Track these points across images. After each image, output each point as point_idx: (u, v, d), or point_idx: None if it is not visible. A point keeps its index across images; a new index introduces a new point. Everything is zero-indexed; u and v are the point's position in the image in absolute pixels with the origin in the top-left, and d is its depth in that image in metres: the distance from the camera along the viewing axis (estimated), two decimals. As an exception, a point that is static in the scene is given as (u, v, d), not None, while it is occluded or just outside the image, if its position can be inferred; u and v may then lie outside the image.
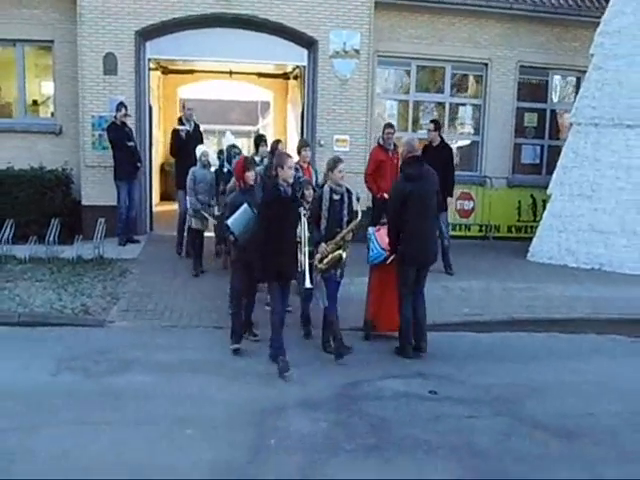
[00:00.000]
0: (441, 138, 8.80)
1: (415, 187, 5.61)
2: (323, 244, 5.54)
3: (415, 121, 11.76)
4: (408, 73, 11.46)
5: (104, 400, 4.47)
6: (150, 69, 10.56)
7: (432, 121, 9.19)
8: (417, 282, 5.81)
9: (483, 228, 11.23)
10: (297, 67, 11.26)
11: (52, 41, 10.10)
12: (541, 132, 11.89)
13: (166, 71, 13.58)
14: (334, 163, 5.70)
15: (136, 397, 4.55)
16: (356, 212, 5.63)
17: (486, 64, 11.35)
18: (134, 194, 9.54)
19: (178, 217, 9.01)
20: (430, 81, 11.82)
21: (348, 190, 5.75)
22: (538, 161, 11.87)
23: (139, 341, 5.80)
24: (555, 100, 12.19)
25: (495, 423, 4.38)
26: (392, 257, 5.86)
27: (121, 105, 9.30)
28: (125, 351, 5.51)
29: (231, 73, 13.31)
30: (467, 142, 12.08)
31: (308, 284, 5.27)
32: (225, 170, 8.34)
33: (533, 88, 11.88)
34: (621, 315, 7.25)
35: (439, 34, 11.03)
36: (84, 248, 8.44)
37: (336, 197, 5.63)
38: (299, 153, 7.44)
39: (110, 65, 9.80)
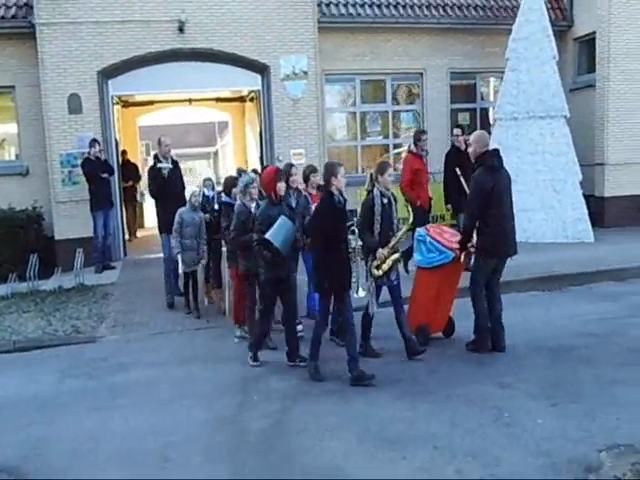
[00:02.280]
0: (465, 143, 8.64)
1: (496, 179, 5.60)
2: (381, 249, 5.45)
3: (363, 130, 12.80)
4: (353, 88, 12.50)
5: (109, 393, 5.22)
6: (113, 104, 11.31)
7: (458, 126, 9.39)
8: (494, 275, 5.77)
9: (431, 218, 12.21)
10: (252, 91, 12.20)
11: (13, 86, 10.67)
12: (474, 128, 12.96)
13: (126, 104, 14.28)
14: (383, 167, 5.62)
15: (137, 387, 5.32)
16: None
17: (421, 73, 12.50)
18: (109, 224, 10.10)
19: (164, 264, 8.15)
20: (373, 93, 12.89)
21: (393, 194, 5.71)
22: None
23: (130, 348, 6.47)
24: (483, 99, 13.41)
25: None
26: (463, 255, 5.77)
27: (94, 142, 9.96)
28: (119, 357, 6.19)
29: (190, 101, 14.16)
30: (403, 148, 13.03)
31: (362, 293, 5.28)
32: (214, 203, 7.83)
33: (463, 90, 13.06)
34: (534, 275, 8.35)
35: (377, 50, 12.09)
36: (62, 279, 9.02)
37: (385, 201, 5.54)
38: (307, 180, 6.84)
39: (75, 105, 10.39)
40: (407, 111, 13.07)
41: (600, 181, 12.44)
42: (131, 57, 10.49)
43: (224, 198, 7.00)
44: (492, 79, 13.23)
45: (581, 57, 13.39)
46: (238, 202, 6.25)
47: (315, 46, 11.11)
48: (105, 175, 9.97)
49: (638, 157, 12.44)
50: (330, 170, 5.26)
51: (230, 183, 6.96)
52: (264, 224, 5.36)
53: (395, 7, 11.94)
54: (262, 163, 11.74)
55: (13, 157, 11.38)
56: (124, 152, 12.14)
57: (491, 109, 13.04)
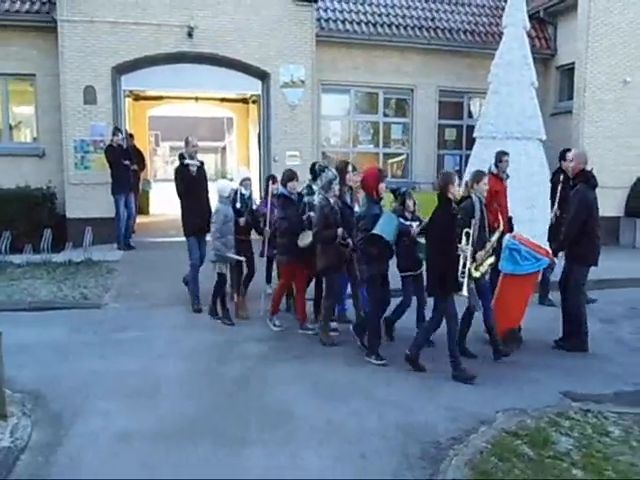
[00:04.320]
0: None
1: (595, 195, 6.37)
2: (480, 252, 5.77)
3: (355, 138, 13.84)
4: (348, 98, 13.51)
5: (110, 346, 6.23)
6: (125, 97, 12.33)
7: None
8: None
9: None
10: (253, 95, 13.20)
11: (34, 75, 11.60)
12: (459, 144, 14.10)
13: (138, 98, 15.31)
14: (479, 176, 6.03)
15: (134, 343, 6.32)
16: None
17: (412, 89, 13.53)
18: (130, 206, 11.17)
19: (190, 270, 7.80)
20: (366, 104, 13.92)
21: (481, 200, 6.02)
22: (458, 168, 13.97)
23: (131, 315, 7.44)
24: (471, 117, 14.41)
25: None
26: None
27: (117, 130, 11.02)
28: (121, 320, 7.19)
29: (197, 99, 15.17)
30: (403, 157, 14.11)
31: (465, 292, 5.45)
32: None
33: (451, 108, 14.08)
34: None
35: (372, 65, 13.10)
36: (72, 254, 10.04)
37: (481, 207, 5.93)
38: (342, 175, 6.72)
39: (90, 96, 11.38)
40: (397, 123, 14.06)
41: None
42: (143, 56, 11.44)
43: (280, 190, 6.93)
44: (478, 99, 14.26)
45: (562, 84, 14.41)
46: (320, 197, 6.35)
47: (313, 57, 12.10)
48: (127, 162, 10.97)
49: (609, 181, 13.41)
50: (447, 178, 5.50)
51: (288, 176, 6.90)
52: (369, 222, 5.65)
53: (389, 26, 12.99)
54: (260, 162, 12.77)
55: (29, 139, 12.33)
56: (131, 136, 12.33)
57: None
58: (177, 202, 7.95)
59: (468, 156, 13.80)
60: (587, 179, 6.43)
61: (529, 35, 13.15)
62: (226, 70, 11.98)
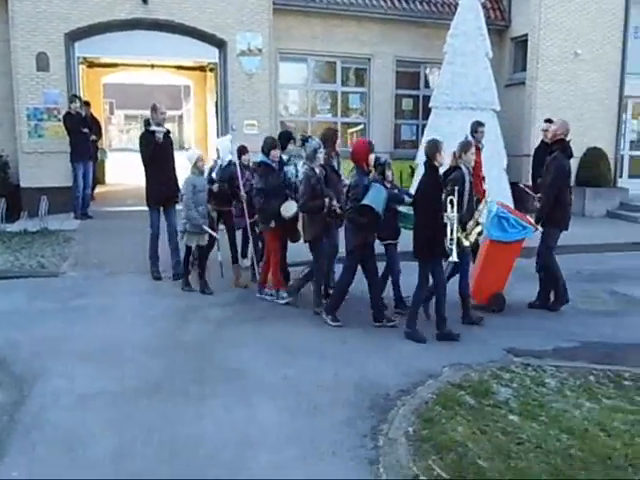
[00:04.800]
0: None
1: (569, 164, 6.72)
2: (470, 222, 6.02)
3: (313, 107, 13.90)
4: (306, 67, 13.52)
5: (71, 312, 6.29)
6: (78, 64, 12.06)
7: (548, 120, 9.56)
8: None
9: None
10: (211, 63, 13.08)
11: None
12: (416, 114, 14.30)
13: (92, 65, 14.96)
14: (466, 146, 6.15)
15: (94, 310, 6.38)
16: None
17: (369, 59, 13.62)
18: (88, 175, 11.02)
19: (150, 240, 7.69)
20: (324, 73, 13.97)
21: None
22: (414, 138, 14.23)
23: (89, 282, 7.47)
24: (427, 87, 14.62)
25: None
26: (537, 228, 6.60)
27: (75, 97, 10.86)
28: (79, 288, 7.21)
29: (153, 66, 14.92)
30: (361, 126, 14.23)
31: (455, 258, 5.62)
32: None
33: (408, 78, 14.26)
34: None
35: (330, 34, 13.11)
36: (27, 223, 9.93)
37: (470, 177, 6.11)
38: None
39: (42, 63, 11.11)
40: (355, 93, 14.15)
41: (526, 171, 13.72)
42: (97, 23, 11.23)
43: (261, 158, 6.73)
44: (435, 69, 14.44)
45: (517, 56, 14.70)
46: (306, 167, 6.35)
47: (270, 26, 12.06)
48: (86, 130, 10.83)
49: (561, 152, 13.91)
50: (434, 147, 5.64)
51: (270, 144, 6.75)
52: (359, 192, 5.77)
53: (347, -5, 12.98)
54: (218, 131, 12.74)
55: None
56: (87, 104, 11.80)
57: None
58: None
59: (425, 126, 14.08)
60: (564, 148, 6.73)
61: (484, 6, 13.41)
62: (182, 37, 11.85)
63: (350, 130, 14.20)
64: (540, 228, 6.67)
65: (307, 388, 4.58)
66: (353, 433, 3.91)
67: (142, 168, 7.68)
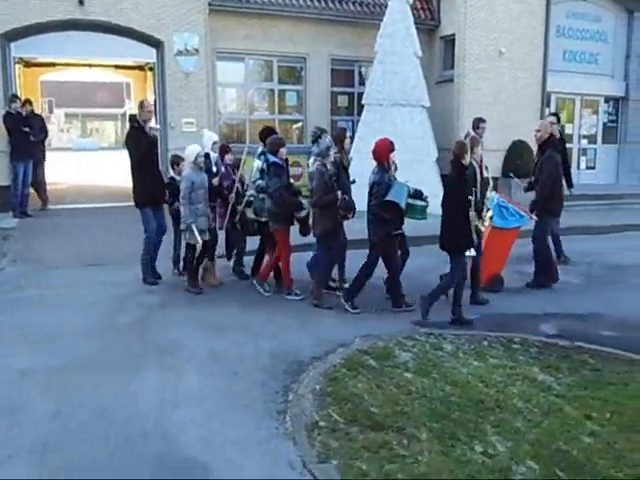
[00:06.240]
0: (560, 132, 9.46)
1: (559, 158, 7.65)
2: (484, 212, 6.65)
3: (251, 105, 14.35)
4: (243, 66, 13.96)
5: (11, 303, 6.60)
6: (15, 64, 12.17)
7: (554, 114, 9.85)
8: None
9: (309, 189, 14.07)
10: (149, 62, 13.37)
11: None
12: (351, 110, 14.95)
13: (29, 64, 15.01)
14: (475, 142, 6.62)
15: (32, 301, 6.68)
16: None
17: (304, 58, 14.16)
18: (28, 174, 11.19)
19: (145, 243, 7.38)
20: (262, 72, 14.46)
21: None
22: (350, 133, 14.75)
23: (28, 277, 7.71)
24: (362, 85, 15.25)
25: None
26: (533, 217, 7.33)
27: (15, 97, 11.02)
28: (20, 282, 7.44)
29: (90, 65, 15.08)
30: (300, 123, 14.77)
31: (474, 252, 6.28)
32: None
33: (343, 75, 14.87)
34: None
35: (266, 34, 13.56)
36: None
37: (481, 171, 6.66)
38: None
39: (-23, 62, 11.31)
40: (291, 91, 14.67)
41: (455, 162, 14.66)
42: (33, 23, 11.36)
43: (272, 158, 6.75)
44: (369, 67, 15.09)
45: (446, 54, 15.48)
46: (318, 164, 6.56)
47: (206, 26, 12.45)
48: (26, 129, 11.01)
49: (490, 145, 14.59)
50: (463, 147, 6.09)
51: (277, 143, 6.85)
52: (383, 189, 6.20)
53: (282, -4, 13.48)
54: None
55: None
56: (29, 102, 11.58)
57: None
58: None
59: (359, 121, 14.75)
60: (554, 145, 7.69)
61: (415, 7, 14.14)
62: (120, 38, 12.12)
63: (294, 126, 14.74)
64: (535, 217, 7.42)
65: (231, 358, 5.11)
66: (266, 391, 4.46)
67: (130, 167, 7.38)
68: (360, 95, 14.38)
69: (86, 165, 23.21)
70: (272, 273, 7.32)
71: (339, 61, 14.52)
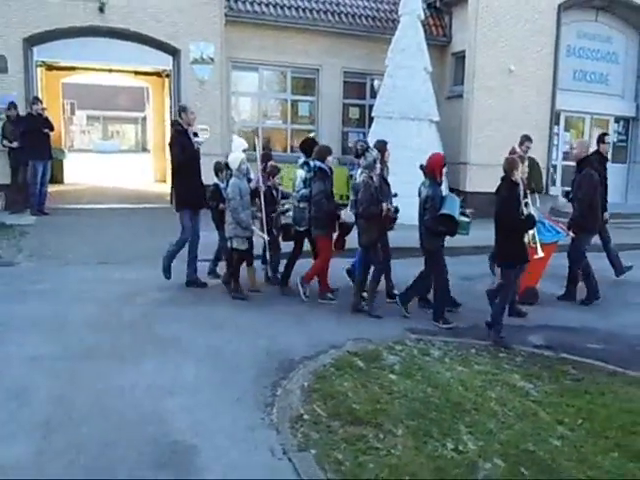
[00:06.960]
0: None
1: (597, 175, 7.78)
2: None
3: (264, 114, 14.71)
4: (257, 76, 14.35)
5: (25, 295, 6.94)
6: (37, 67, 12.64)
7: (605, 134, 9.52)
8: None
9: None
10: (165, 69, 13.80)
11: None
12: (362, 122, 15.26)
13: (50, 68, 15.46)
14: (522, 160, 6.74)
15: (46, 294, 7.02)
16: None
17: (318, 69, 14.53)
18: (46, 173, 11.65)
19: (189, 246, 7.50)
20: (275, 82, 14.84)
21: None
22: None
23: (43, 271, 8.05)
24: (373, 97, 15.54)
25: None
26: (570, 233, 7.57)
27: (36, 99, 11.49)
28: (34, 276, 7.79)
29: (110, 70, 15.52)
30: (313, 134, 15.05)
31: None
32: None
33: (355, 88, 15.22)
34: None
35: (280, 46, 13.95)
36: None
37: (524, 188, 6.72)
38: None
39: (1, 65, 11.68)
40: (304, 101, 15.03)
41: (463, 178, 14.84)
42: (54, 29, 11.84)
43: (318, 164, 7.01)
44: (380, 80, 15.41)
45: (457, 70, 15.77)
46: (365, 176, 6.73)
47: (222, 36, 12.87)
48: (46, 130, 11.48)
49: (493, 160, 14.83)
50: (513, 164, 6.15)
51: (326, 151, 7.14)
52: (437, 203, 6.41)
53: (296, 9, 13.92)
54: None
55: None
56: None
57: (377, 106, 15.28)
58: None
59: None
60: (591, 163, 7.82)
61: (427, 23, 14.48)
62: (138, 45, 12.54)
63: (310, 135, 15.04)
64: (571, 234, 7.64)
65: (227, 354, 5.40)
66: (257, 386, 4.74)
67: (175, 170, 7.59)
68: (371, 107, 14.69)
69: (106, 167, 23.88)
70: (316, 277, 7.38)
71: (351, 74, 14.87)
